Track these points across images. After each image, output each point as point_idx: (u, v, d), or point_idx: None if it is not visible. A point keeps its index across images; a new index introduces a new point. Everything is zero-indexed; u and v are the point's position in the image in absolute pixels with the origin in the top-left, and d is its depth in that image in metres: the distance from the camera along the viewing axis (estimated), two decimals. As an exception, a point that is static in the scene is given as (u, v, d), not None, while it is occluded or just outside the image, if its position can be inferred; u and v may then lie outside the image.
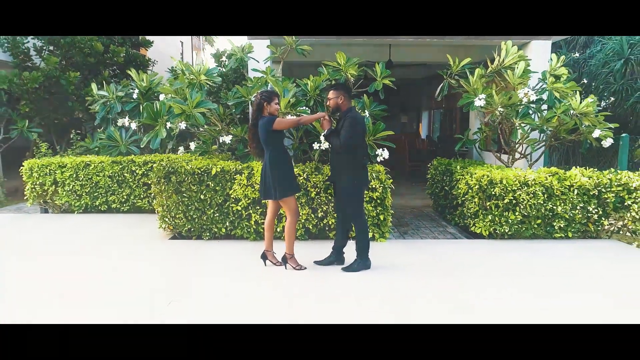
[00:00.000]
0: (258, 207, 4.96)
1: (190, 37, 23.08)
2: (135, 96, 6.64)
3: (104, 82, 7.77)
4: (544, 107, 6.15)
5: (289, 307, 3.28)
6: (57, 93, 9.32)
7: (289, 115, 4.93)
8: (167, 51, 17.64)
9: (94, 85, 7.60)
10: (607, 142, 5.73)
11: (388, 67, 9.38)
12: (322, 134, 4.09)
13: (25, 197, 6.79)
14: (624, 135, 7.58)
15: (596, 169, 5.45)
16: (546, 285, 3.68)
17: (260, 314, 3.12)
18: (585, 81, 12.00)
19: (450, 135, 11.23)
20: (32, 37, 9.53)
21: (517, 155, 6.27)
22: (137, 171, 6.45)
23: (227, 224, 5.04)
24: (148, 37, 13.17)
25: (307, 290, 3.59)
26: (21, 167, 6.72)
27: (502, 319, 3.03)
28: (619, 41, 11.14)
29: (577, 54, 12.51)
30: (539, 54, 7.29)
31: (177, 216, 5.04)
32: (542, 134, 6.22)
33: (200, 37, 28.87)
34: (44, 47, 9.69)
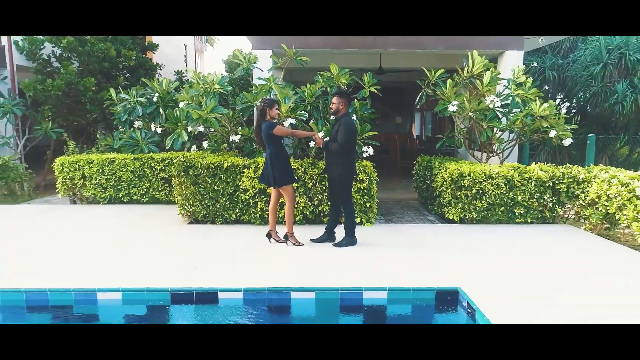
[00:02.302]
0: (263, 197, 5.85)
1: (193, 40, 23.86)
2: (155, 99, 7.51)
3: (119, 87, 8.60)
4: (516, 110, 7.03)
5: (291, 266, 4.18)
6: (75, 97, 10.23)
7: (290, 119, 5.83)
8: (171, 54, 18.54)
9: (112, 90, 8.47)
10: (567, 142, 6.60)
11: (379, 74, 10.31)
12: (321, 146, 4.97)
13: (56, 190, 7.66)
14: (590, 135, 8.48)
15: (569, 165, 6.27)
16: (496, 253, 4.57)
17: (270, 273, 4.00)
18: (570, 84, 12.85)
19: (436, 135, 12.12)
20: (51, 44, 10.42)
21: (492, 153, 7.16)
22: (155, 167, 7.33)
23: (237, 210, 5.93)
24: (154, 41, 14.07)
25: (304, 258, 4.48)
26: (50, 164, 7.60)
27: (456, 273, 3.91)
28: (598, 47, 12.00)
29: (561, 60, 13.36)
30: (513, 63, 8.18)
31: (194, 204, 5.93)
32: (511, 134, 7.12)
33: (202, 39, 29.74)
34: (63, 54, 10.58)
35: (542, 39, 8.98)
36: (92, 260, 4.44)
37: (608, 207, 5.26)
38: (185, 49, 22.84)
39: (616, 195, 5.13)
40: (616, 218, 5.22)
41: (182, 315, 3.60)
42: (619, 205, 5.10)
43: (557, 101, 14.68)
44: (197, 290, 3.69)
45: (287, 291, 3.70)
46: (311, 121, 6.28)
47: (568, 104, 15.25)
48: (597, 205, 5.47)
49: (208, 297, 3.67)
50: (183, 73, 15.76)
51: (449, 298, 3.67)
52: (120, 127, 8.39)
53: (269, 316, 3.60)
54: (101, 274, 4.05)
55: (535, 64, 11.84)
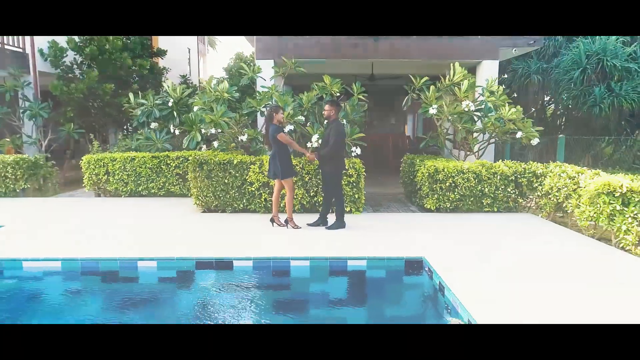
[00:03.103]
0: (267, 189, 6.82)
1: (196, 43, 24.78)
2: (170, 104, 8.48)
3: (134, 93, 9.54)
4: (491, 114, 7.98)
5: (291, 243, 5.16)
6: (94, 100, 11.23)
7: (289, 125, 6.80)
8: (176, 58, 19.49)
9: (131, 95, 9.45)
10: (534, 142, 7.57)
11: (371, 79, 11.27)
12: (314, 160, 6.12)
13: (83, 184, 8.64)
14: (560, 136, 9.46)
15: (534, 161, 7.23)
16: (460, 234, 5.54)
17: (273, 247, 4.97)
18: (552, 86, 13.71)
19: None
20: (74, 52, 11.39)
21: (469, 152, 8.14)
22: (171, 164, 8.30)
23: (244, 201, 6.91)
24: (162, 47, 15.06)
25: (301, 237, 5.45)
26: (69, 162, 8.58)
27: (424, 248, 4.87)
28: (578, 52, 12.90)
29: (546, 64, 14.25)
30: (489, 71, 9.17)
31: (208, 195, 6.91)
32: (485, 135, 8.09)
33: (205, 42, 30.71)
34: (84, 62, 11.56)
35: (514, 50, 9.94)
36: (128, 238, 5.42)
37: (558, 197, 6.23)
38: (189, 52, 23.78)
39: (564, 187, 6.11)
40: (564, 206, 6.19)
41: (205, 278, 4.57)
42: (566, 195, 6.07)
43: (543, 103, 15.64)
44: (217, 259, 4.68)
45: (287, 260, 4.68)
46: (308, 124, 7.26)
47: (553, 105, 16.21)
48: (550, 196, 6.44)
49: (225, 264, 4.65)
50: (187, 77, 16.76)
51: (415, 265, 4.64)
52: (138, 128, 9.39)
53: (273, 279, 4.58)
54: (137, 247, 5.02)
55: (505, 75, 12.74)
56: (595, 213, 5.34)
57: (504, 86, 8.30)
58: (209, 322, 3.62)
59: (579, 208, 5.70)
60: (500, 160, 7.39)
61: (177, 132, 8.28)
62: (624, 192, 4.99)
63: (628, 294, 3.74)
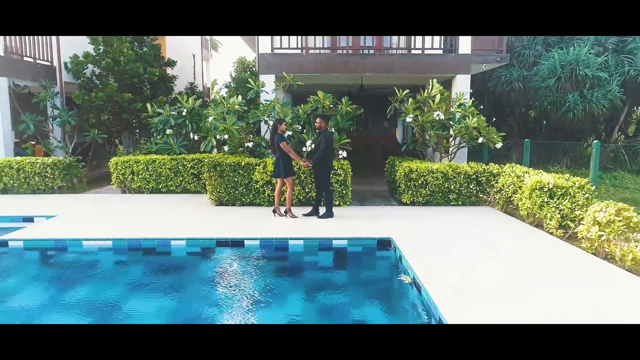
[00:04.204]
0: (269, 186, 8.20)
1: (200, 49, 26.11)
2: (184, 113, 9.88)
3: (147, 100, 10.86)
4: (460, 122, 9.34)
5: (289, 227, 6.54)
6: (112, 108, 12.62)
7: (289, 132, 8.19)
8: (182, 64, 20.85)
9: (149, 105, 10.84)
10: (498, 145, 8.97)
11: (361, 90, 12.66)
12: (308, 166, 7.45)
13: (111, 182, 10.04)
14: (526, 140, 10.82)
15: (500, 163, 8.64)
16: (425, 221, 6.91)
17: (275, 231, 6.35)
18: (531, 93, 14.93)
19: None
20: (93, 65, 12.79)
21: (445, 155, 9.52)
22: (187, 165, 9.68)
23: (250, 196, 8.29)
24: (172, 58, 16.44)
25: (298, 224, 6.83)
26: (91, 163, 9.95)
27: (394, 231, 6.23)
28: (553, 62, 14.21)
29: (526, 72, 15.54)
30: (463, 83, 10.54)
31: (220, 191, 8.29)
32: (455, 140, 9.47)
33: (209, 48, 32.09)
34: (102, 74, 12.95)
35: (484, 66, 11.32)
36: (160, 223, 6.81)
37: (508, 193, 7.61)
38: (194, 58, 25.18)
39: (511, 184, 7.49)
40: (512, 199, 7.57)
41: (223, 253, 5.94)
42: (513, 190, 7.45)
43: (523, 109, 16.93)
44: (232, 239, 6.06)
45: (286, 240, 6.07)
46: (304, 131, 8.64)
47: (533, 111, 17.52)
48: (502, 191, 7.82)
49: (238, 243, 6.04)
50: (194, 84, 18.15)
51: (384, 243, 6.03)
52: (154, 134, 10.78)
53: (275, 253, 5.97)
54: (169, 230, 6.41)
55: (471, 92, 14.10)
56: (531, 204, 6.72)
57: (473, 99, 9.66)
58: (213, 317, 4.20)
59: (521, 201, 7.08)
60: (465, 162, 8.78)
61: (196, 137, 9.67)
62: (550, 187, 6.37)
63: (542, 263, 5.12)
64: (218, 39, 36.18)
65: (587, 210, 5.81)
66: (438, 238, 6.05)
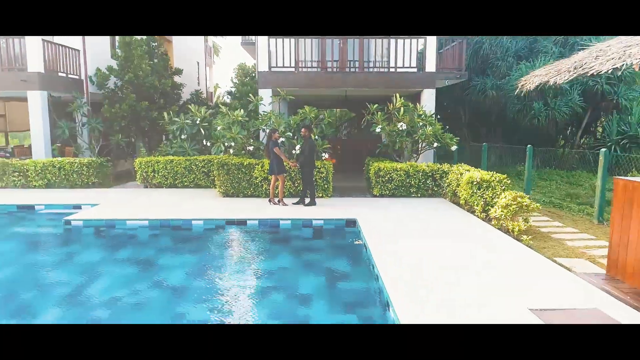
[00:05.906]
0: (266, 182, 10.27)
1: (204, 56, 28.10)
2: (197, 122, 11.97)
3: (162, 109, 12.88)
4: (429, 128, 11.31)
5: (281, 212, 8.61)
6: (132, 116, 14.68)
7: (282, 138, 10.28)
8: (188, 71, 22.88)
9: (165, 114, 12.91)
10: (453, 148, 11.05)
11: (346, 101, 14.69)
12: (297, 166, 9.48)
13: (136, 179, 12.12)
14: (484, 144, 12.88)
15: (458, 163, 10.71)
16: (387, 208, 8.97)
17: (270, 214, 8.40)
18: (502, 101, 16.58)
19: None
20: (115, 77, 14.85)
21: (412, 156, 11.60)
22: (199, 165, 11.76)
23: (251, 189, 10.37)
24: (179, 66, 18.48)
25: (287, 210, 8.90)
26: (119, 162, 12.03)
27: (361, 214, 8.28)
28: (521, 72, 16.02)
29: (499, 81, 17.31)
30: (429, 96, 12.61)
31: (226, 185, 10.36)
32: (418, 144, 11.54)
33: (212, 54, 34.18)
34: (124, 85, 15.02)
35: (446, 81, 13.40)
36: (181, 208, 8.89)
37: (453, 186, 9.69)
38: (198, 65, 27.24)
39: (455, 180, 9.56)
40: (456, 192, 9.64)
41: (231, 229, 8.01)
42: (457, 184, 9.53)
43: (493, 117, 18.79)
44: (237, 219, 8.14)
45: (278, 220, 8.15)
46: (295, 138, 10.72)
47: (505, 117, 19.41)
48: (450, 186, 9.89)
49: (242, 222, 8.11)
50: (200, 91, 20.22)
51: (351, 222, 8.10)
52: (171, 139, 12.87)
53: (269, 229, 8.04)
54: (189, 213, 8.48)
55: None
56: (466, 194, 8.79)
57: (435, 113, 11.73)
58: (214, 316, 6.77)
59: (460, 192, 9.15)
60: (425, 162, 10.87)
61: (208, 143, 11.78)
62: (478, 181, 8.44)
63: (454, 232, 7.20)
64: (219, 42, 38.31)
65: (499, 198, 7.88)
66: (393, 219, 8.13)
